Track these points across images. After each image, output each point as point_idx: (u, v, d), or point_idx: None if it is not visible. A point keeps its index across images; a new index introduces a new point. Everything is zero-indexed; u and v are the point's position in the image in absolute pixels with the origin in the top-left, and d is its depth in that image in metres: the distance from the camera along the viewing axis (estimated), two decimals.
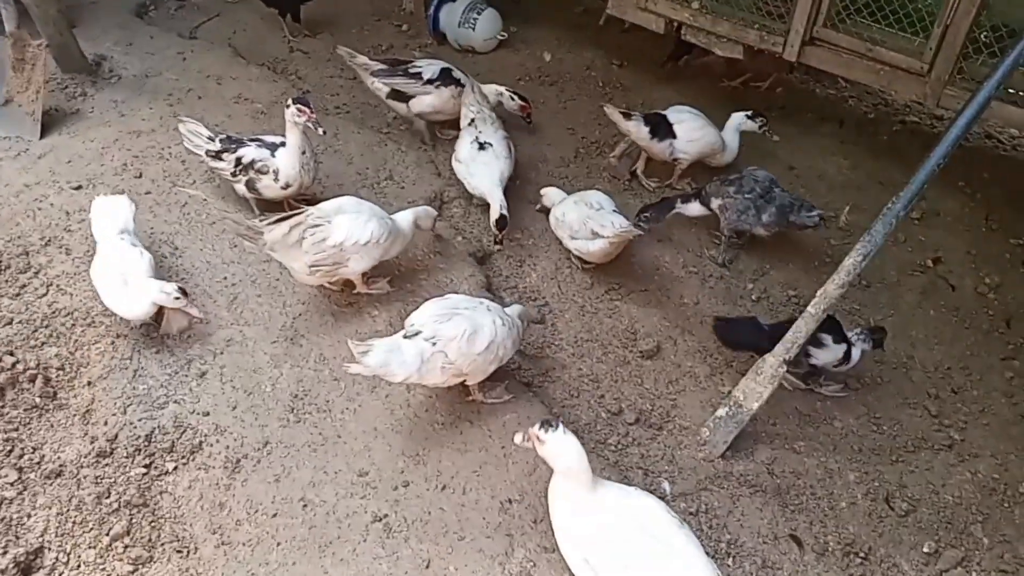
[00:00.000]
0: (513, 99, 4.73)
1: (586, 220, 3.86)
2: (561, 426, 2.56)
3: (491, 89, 4.75)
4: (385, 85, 4.60)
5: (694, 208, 4.18)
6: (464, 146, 4.29)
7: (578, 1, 6.15)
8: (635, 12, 4.87)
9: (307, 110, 3.71)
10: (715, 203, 4.10)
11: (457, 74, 4.61)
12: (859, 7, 4.15)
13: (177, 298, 3.29)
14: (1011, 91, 3.82)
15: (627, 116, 4.43)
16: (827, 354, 3.46)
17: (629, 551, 2.44)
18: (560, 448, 2.55)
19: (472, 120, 4.38)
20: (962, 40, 3.82)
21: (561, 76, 5.44)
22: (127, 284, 3.30)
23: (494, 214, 4.05)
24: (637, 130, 4.44)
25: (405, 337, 3.01)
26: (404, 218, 3.70)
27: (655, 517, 2.50)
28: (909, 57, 4.02)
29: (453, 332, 2.98)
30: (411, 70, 4.61)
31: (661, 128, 4.42)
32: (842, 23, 4.20)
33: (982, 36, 3.82)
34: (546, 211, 4.22)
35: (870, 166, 4.75)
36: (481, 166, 4.18)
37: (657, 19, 4.79)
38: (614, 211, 3.88)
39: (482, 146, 4.22)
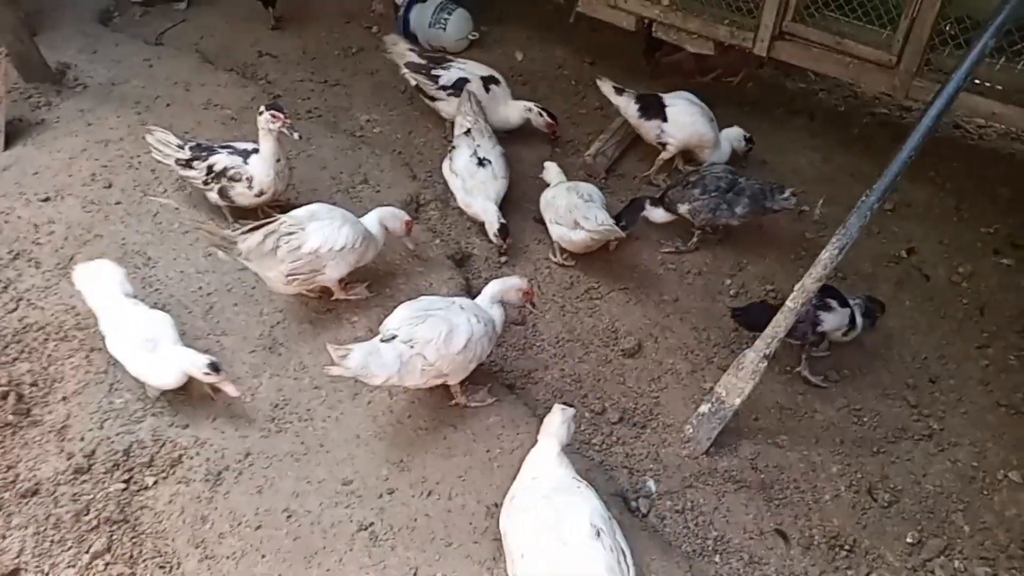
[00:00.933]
0: (541, 115, 4.63)
1: (572, 209, 3.89)
2: None
3: (519, 105, 4.68)
4: (412, 79, 4.68)
5: (659, 215, 4.12)
6: (462, 158, 4.17)
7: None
8: (605, 10, 4.87)
9: (281, 116, 3.68)
10: (683, 208, 4.06)
11: (472, 88, 4.54)
12: (827, 1, 4.18)
13: (207, 373, 3.05)
14: (977, 82, 3.88)
15: (619, 91, 4.46)
16: (835, 318, 3.51)
17: (530, 538, 2.50)
18: None
19: (468, 130, 4.30)
20: (928, 32, 3.86)
21: (533, 75, 5.43)
22: (156, 351, 3.09)
23: (493, 226, 4.00)
24: (627, 106, 4.47)
25: (382, 341, 2.98)
26: (371, 221, 3.64)
27: (575, 519, 2.49)
28: (877, 50, 4.05)
29: (430, 334, 2.98)
30: (433, 71, 4.62)
31: (652, 108, 4.42)
32: (811, 17, 4.23)
33: (947, 28, 3.87)
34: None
35: (842, 159, 4.79)
36: (479, 185, 4.09)
37: (628, 16, 4.79)
38: (601, 207, 3.93)
39: (481, 162, 4.13)
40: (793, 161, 4.83)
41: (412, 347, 2.96)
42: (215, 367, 3.03)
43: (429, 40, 5.52)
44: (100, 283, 3.27)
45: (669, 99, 4.47)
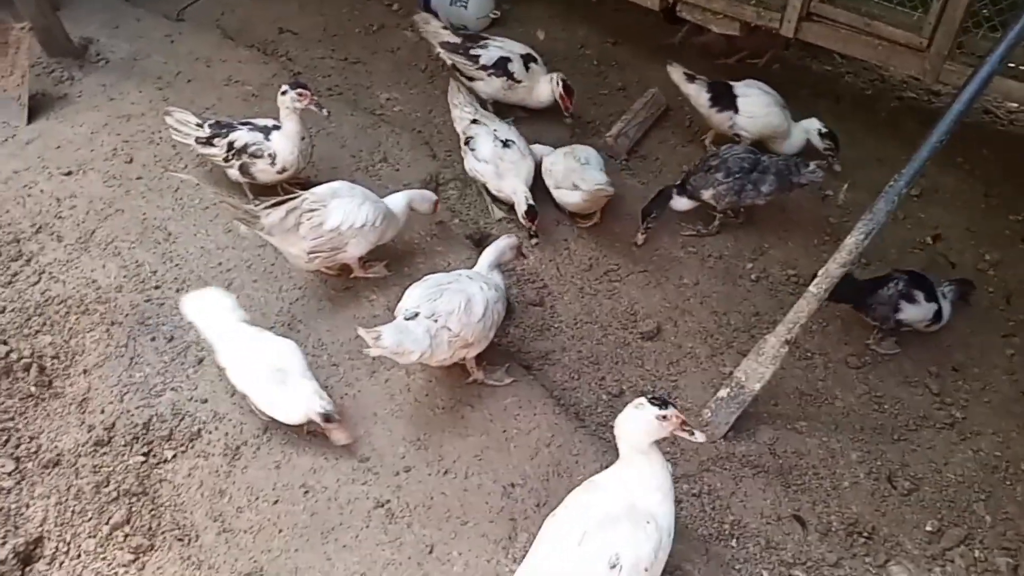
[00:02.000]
0: (558, 85, 4.48)
1: (570, 172, 3.98)
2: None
3: (545, 78, 4.58)
4: (448, 59, 4.63)
5: (682, 203, 4.07)
6: (486, 145, 4.07)
7: None
8: None
9: (308, 92, 3.68)
10: (707, 194, 4.00)
11: (514, 67, 4.50)
12: None
13: (318, 421, 2.96)
14: (1011, 65, 3.78)
15: (690, 78, 4.39)
16: (917, 311, 3.49)
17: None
18: None
19: (475, 119, 4.21)
20: (962, 14, 3.77)
21: (555, 55, 5.36)
22: (285, 383, 2.98)
23: (521, 206, 3.93)
24: (697, 95, 4.39)
25: (406, 320, 3.00)
26: (396, 202, 3.65)
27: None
28: (908, 32, 3.96)
29: (450, 306, 3.02)
30: (472, 51, 4.57)
31: (724, 98, 4.34)
32: None
33: (983, 10, 3.78)
34: None
35: (868, 143, 4.70)
36: (509, 165, 4.02)
37: None
38: (600, 169, 4.00)
39: (506, 143, 4.05)
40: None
41: (436, 321, 3.00)
42: (328, 418, 2.94)
43: (450, 18, 5.46)
44: (214, 312, 3.14)
45: (740, 88, 4.36)
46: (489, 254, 3.37)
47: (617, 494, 2.48)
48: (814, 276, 3.20)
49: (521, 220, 3.98)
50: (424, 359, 3.01)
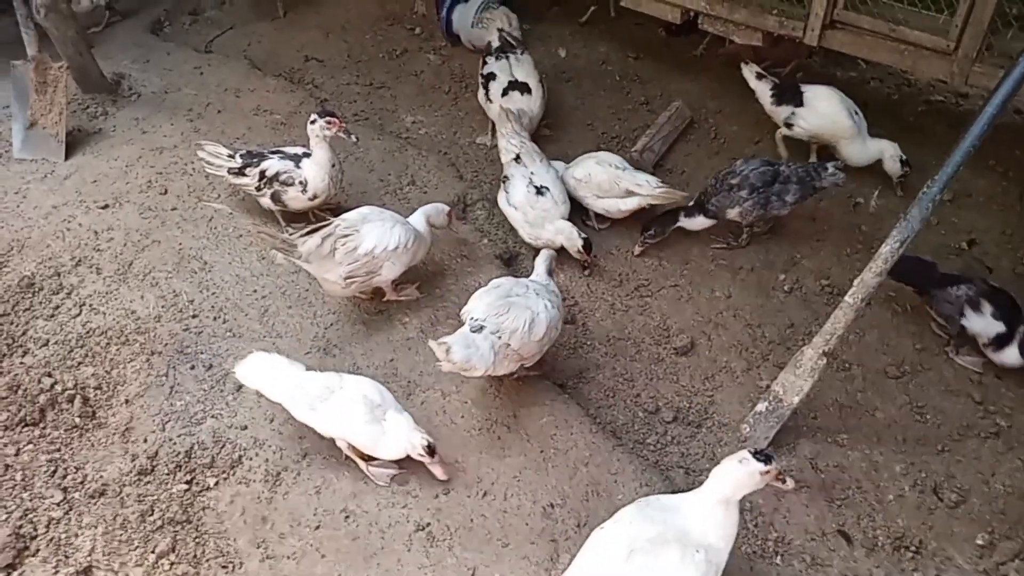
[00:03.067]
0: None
1: (618, 179, 4.02)
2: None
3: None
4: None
5: (698, 222, 4.06)
6: (518, 190, 3.96)
7: None
8: (649, 3, 4.81)
9: (336, 120, 3.73)
10: (732, 213, 3.98)
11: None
12: None
13: (420, 455, 2.93)
14: None
15: (760, 76, 4.51)
16: (980, 323, 3.44)
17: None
18: None
19: (518, 156, 4.10)
20: (990, 15, 3.73)
21: (577, 72, 5.40)
22: (383, 421, 2.94)
23: (576, 243, 3.86)
24: (762, 91, 4.49)
25: (472, 332, 3.06)
26: (418, 220, 3.71)
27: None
28: (934, 36, 3.93)
29: (515, 324, 3.07)
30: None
31: (788, 93, 4.40)
32: (863, 4, 4.12)
33: (1012, 10, 3.74)
34: None
35: None
36: (541, 215, 3.92)
37: (673, 9, 4.72)
38: (638, 171, 4.10)
39: (539, 191, 3.93)
40: None
41: (500, 337, 3.05)
42: (431, 450, 2.90)
43: (472, 40, 5.52)
44: (273, 376, 3.06)
45: (810, 88, 4.41)
46: (545, 262, 3.47)
47: (674, 519, 2.46)
48: (849, 285, 3.17)
49: (576, 255, 3.92)
50: (486, 374, 3.08)
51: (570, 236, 3.88)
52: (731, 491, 2.49)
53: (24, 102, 4.57)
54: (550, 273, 3.45)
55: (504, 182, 4.08)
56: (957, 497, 3.14)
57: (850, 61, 5.25)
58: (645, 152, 4.61)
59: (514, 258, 4.19)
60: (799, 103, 4.36)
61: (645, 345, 3.72)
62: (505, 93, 4.59)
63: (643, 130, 4.77)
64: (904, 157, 4.29)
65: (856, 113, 4.33)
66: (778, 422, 3.23)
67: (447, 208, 3.84)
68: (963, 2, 3.76)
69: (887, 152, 4.33)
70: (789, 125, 4.43)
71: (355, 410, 2.93)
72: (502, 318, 3.07)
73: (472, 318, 3.11)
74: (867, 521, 3.08)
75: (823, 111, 4.32)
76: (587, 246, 3.86)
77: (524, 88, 4.58)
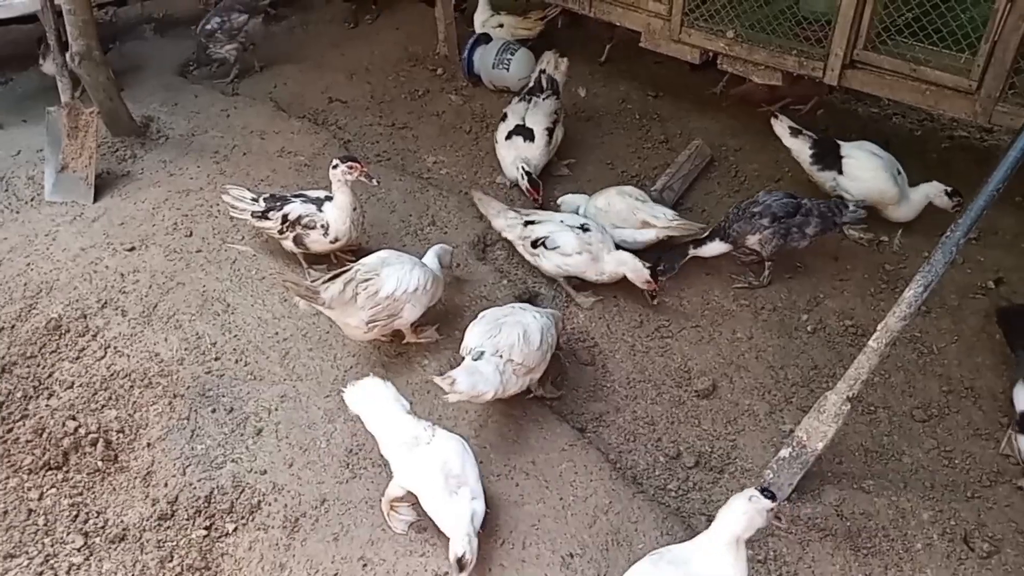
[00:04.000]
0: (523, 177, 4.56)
1: (636, 210, 4.09)
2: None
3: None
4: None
5: (713, 248, 4.07)
6: (566, 238, 3.87)
7: (609, 35, 6.15)
8: (669, 44, 4.84)
9: (358, 165, 3.78)
10: (752, 240, 4.00)
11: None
12: (900, 28, 4.07)
13: (452, 562, 2.74)
14: None
15: (795, 132, 4.39)
16: None
17: None
18: None
19: (530, 220, 4.04)
20: (1012, 55, 3.70)
21: (597, 111, 5.44)
22: (455, 496, 2.81)
23: (642, 272, 3.81)
24: (800, 150, 4.38)
25: (473, 360, 3.15)
26: (431, 261, 3.76)
27: None
28: (956, 75, 3.90)
29: (511, 339, 3.18)
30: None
31: (828, 157, 4.30)
32: (883, 44, 4.12)
33: None
34: None
35: None
36: (600, 246, 3.88)
37: (692, 50, 4.75)
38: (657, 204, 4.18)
39: (584, 228, 3.90)
40: None
41: (501, 356, 3.14)
42: (460, 565, 2.71)
43: (493, 80, 5.59)
44: (376, 404, 3.00)
45: (847, 148, 4.29)
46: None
47: (688, 570, 2.44)
48: (873, 326, 3.12)
49: (644, 286, 3.86)
50: (498, 396, 3.13)
51: (634, 267, 3.84)
52: (742, 530, 2.48)
53: (57, 146, 4.69)
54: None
55: (538, 245, 3.95)
56: (989, 547, 3.05)
57: (871, 97, 5.23)
58: (665, 191, 4.61)
59: (534, 298, 4.19)
60: (840, 170, 4.26)
61: (666, 387, 3.69)
62: (509, 137, 4.64)
63: (663, 168, 4.78)
64: (949, 189, 4.19)
65: (899, 173, 4.26)
66: (802, 468, 3.17)
67: (451, 249, 3.93)
68: (985, 42, 3.75)
69: (931, 195, 4.23)
70: (840, 197, 4.29)
71: (431, 475, 2.83)
72: (497, 338, 3.19)
73: (470, 349, 3.22)
74: (894, 571, 3.00)
75: (866, 179, 4.22)
76: (654, 273, 3.81)
77: (528, 135, 4.61)
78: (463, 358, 3.25)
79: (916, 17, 3.96)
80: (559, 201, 4.45)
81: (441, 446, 2.89)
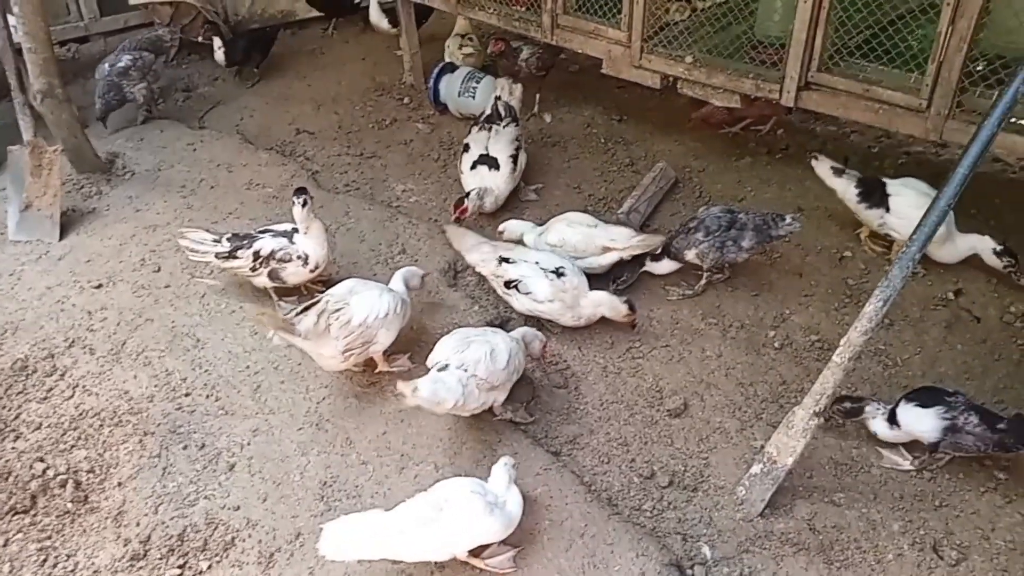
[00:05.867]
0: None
1: (591, 238, 4.12)
2: None
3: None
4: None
5: (664, 266, 4.22)
6: (540, 284, 3.84)
7: (572, 60, 6.27)
8: (630, 70, 4.93)
9: (307, 196, 3.82)
10: (690, 255, 4.14)
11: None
12: (852, 49, 4.19)
13: None
14: (1013, 120, 3.82)
15: (838, 172, 4.38)
16: None
17: None
18: None
19: (504, 258, 3.98)
20: (957, 75, 3.83)
21: (563, 136, 5.52)
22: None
23: (621, 308, 3.84)
24: (845, 190, 4.34)
25: (438, 371, 3.23)
26: (397, 285, 3.78)
27: None
28: (907, 95, 4.02)
29: (477, 355, 3.26)
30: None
31: (875, 194, 4.26)
32: (836, 66, 4.24)
33: (977, 68, 3.84)
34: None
35: None
36: (574, 292, 3.86)
37: (652, 75, 4.84)
38: (610, 225, 4.22)
39: (558, 272, 3.86)
40: (829, 206, 4.78)
41: (466, 370, 3.22)
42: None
43: (459, 108, 5.65)
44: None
45: (894, 186, 4.25)
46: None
47: None
48: (838, 340, 3.18)
49: (624, 320, 3.89)
50: (457, 408, 3.19)
51: (612, 305, 3.86)
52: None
53: (20, 185, 4.66)
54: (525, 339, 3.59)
55: (510, 286, 3.92)
56: (958, 555, 3.11)
57: (829, 116, 5.36)
58: (631, 213, 4.68)
59: (505, 323, 4.21)
60: (888, 208, 4.25)
61: (638, 408, 3.72)
62: (474, 167, 4.70)
63: (629, 191, 4.86)
64: (999, 248, 4.06)
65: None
66: (773, 484, 3.22)
67: (422, 272, 3.95)
68: (932, 62, 3.88)
69: (979, 248, 4.15)
70: (886, 236, 4.33)
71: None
72: (464, 353, 3.27)
73: (436, 361, 3.30)
74: None
75: (914, 217, 4.08)
76: (632, 306, 3.88)
77: (493, 163, 4.67)
78: (428, 369, 3.30)
79: (867, 39, 4.09)
80: (500, 228, 4.40)
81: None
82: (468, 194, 4.59)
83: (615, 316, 3.89)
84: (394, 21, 6.19)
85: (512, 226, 4.40)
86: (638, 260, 4.22)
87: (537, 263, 3.93)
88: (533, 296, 3.87)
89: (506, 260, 3.99)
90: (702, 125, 5.45)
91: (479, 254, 4.09)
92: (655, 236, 4.26)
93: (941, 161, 5.17)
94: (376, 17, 6.36)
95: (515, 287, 3.91)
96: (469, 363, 3.24)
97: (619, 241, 4.14)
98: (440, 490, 2.91)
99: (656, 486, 3.39)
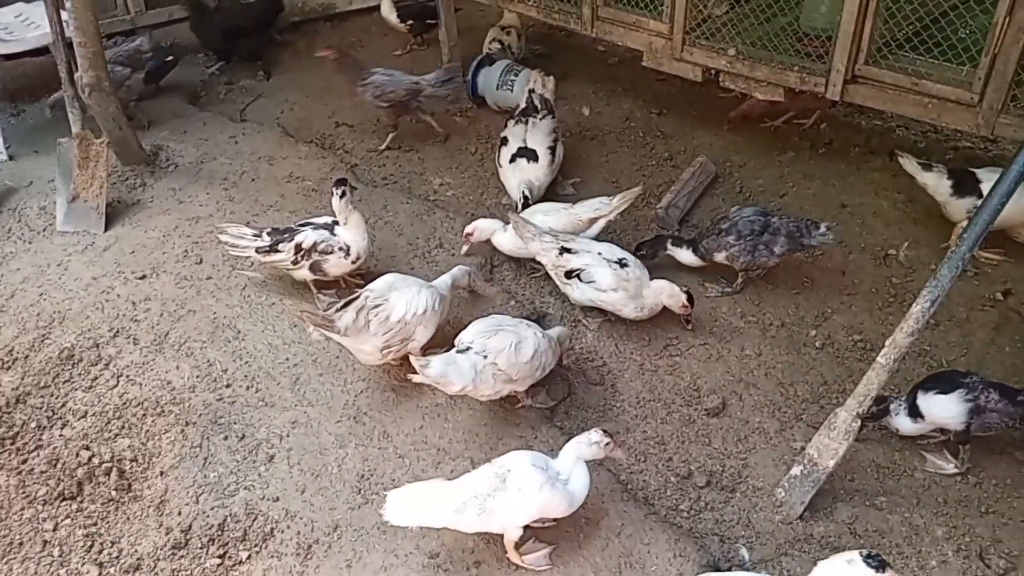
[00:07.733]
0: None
1: (576, 217, 4.17)
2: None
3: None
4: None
5: (684, 256, 4.16)
6: (603, 273, 3.79)
7: (611, 53, 6.20)
8: (671, 63, 4.87)
9: (346, 186, 3.87)
10: (720, 256, 4.06)
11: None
12: (900, 42, 4.09)
13: None
14: None
15: (926, 167, 4.27)
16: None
17: None
18: None
19: (566, 248, 3.92)
20: (1013, 67, 3.72)
21: (601, 129, 5.47)
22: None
23: (680, 298, 3.79)
24: (937, 184, 4.21)
25: (458, 352, 3.27)
26: (444, 283, 3.80)
27: None
28: (957, 88, 3.91)
29: (501, 344, 3.27)
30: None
31: (966, 184, 4.13)
32: (884, 59, 4.14)
33: None
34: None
35: (926, 198, 4.57)
36: (636, 283, 3.81)
37: (694, 68, 4.78)
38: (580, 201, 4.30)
39: (622, 264, 3.82)
40: (874, 203, 4.69)
41: (486, 357, 3.24)
42: None
43: (498, 102, 5.63)
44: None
45: (984, 174, 4.14)
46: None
47: None
48: (881, 340, 3.12)
49: (680, 311, 3.85)
50: (467, 392, 3.24)
51: (672, 293, 3.81)
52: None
53: (68, 177, 4.75)
54: (560, 339, 3.59)
55: (571, 276, 3.88)
56: (1006, 564, 3.03)
57: (875, 110, 5.24)
58: (670, 208, 4.63)
59: (542, 318, 4.20)
60: (980, 195, 4.09)
61: (676, 406, 3.69)
62: (513, 160, 4.67)
63: (668, 186, 4.80)
64: None
65: None
66: (814, 486, 3.17)
67: (469, 270, 3.97)
68: (985, 55, 3.76)
69: None
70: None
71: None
72: (489, 340, 3.29)
73: (460, 341, 3.34)
74: None
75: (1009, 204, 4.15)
76: (691, 298, 3.83)
77: (532, 156, 4.64)
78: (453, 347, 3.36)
79: (916, 31, 3.98)
80: (469, 228, 4.27)
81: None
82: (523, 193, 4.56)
83: (674, 306, 3.84)
84: (403, 17, 6.25)
85: (483, 225, 4.28)
86: (659, 239, 4.21)
87: (599, 253, 3.89)
88: (596, 285, 3.81)
89: (568, 250, 3.93)
90: (741, 122, 5.36)
91: (540, 243, 4.03)
92: (632, 190, 4.24)
93: (991, 157, 5.01)
94: (387, 10, 6.37)
95: (576, 276, 3.87)
96: (491, 350, 3.25)
97: (602, 208, 4.18)
98: (503, 461, 2.91)
99: (693, 486, 3.36)
